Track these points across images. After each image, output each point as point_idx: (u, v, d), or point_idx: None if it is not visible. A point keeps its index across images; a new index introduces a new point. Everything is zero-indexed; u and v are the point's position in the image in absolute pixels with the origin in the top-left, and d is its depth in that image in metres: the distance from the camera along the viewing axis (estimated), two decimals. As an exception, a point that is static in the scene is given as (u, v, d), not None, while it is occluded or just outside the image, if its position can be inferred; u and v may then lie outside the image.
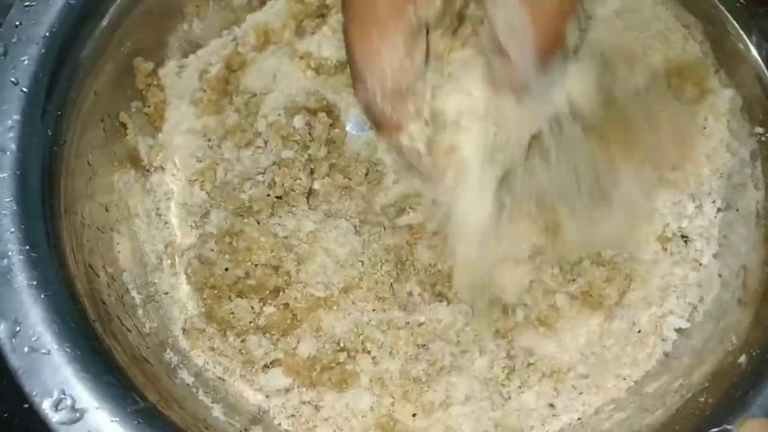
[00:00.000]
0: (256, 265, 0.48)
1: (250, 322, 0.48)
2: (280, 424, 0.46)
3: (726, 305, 0.48)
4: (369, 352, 0.48)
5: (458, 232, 0.46)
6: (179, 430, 0.39)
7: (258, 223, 0.50)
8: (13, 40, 0.45)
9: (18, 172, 0.43)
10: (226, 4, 0.56)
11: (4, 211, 0.41)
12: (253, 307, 0.48)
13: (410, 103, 0.41)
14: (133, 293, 0.49)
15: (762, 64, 0.49)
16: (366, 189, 0.53)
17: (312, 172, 0.53)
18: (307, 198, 0.52)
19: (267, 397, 0.47)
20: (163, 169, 0.55)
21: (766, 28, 0.49)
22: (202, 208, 0.53)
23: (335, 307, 0.49)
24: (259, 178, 0.52)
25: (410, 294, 0.49)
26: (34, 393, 0.38)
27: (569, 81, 0.44)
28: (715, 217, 0.52)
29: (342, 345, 0.48)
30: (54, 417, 0.37)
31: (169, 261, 0.52)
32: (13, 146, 0.43)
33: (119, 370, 0.40)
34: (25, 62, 0.45)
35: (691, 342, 0.48)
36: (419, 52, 0.41)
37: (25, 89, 0.45)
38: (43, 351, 0.39)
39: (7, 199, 0.42)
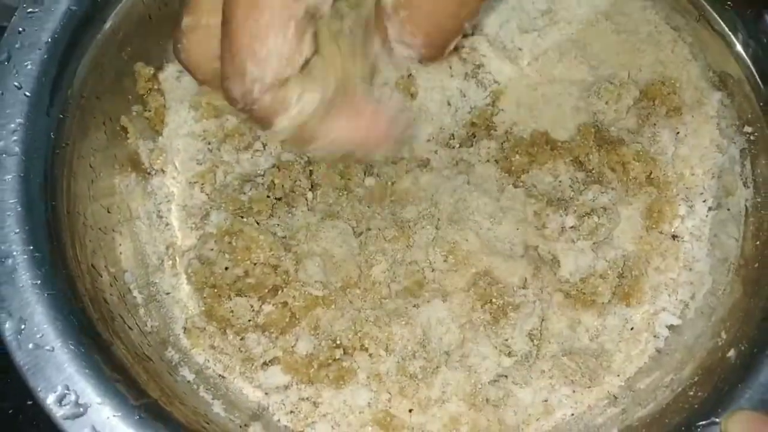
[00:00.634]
0: (255, 264, 0.49)
1: (249, 321, 0.49)
2: (279, 420, 0.47)
3: (717, 302, 0.49)
4: (366, 349, 0.49)
5: None
6: (180, 425, 0.40)
7: (258, 223, 0.50)
8: (17, 45, 0.46)
9: (22, 175, 0.44)
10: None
11: (8, 212, 0.42)
12: (252, 306, 0.49)
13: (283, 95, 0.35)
14: (135, 293, 0.49)
15: (750, 63, 0.50)
16: (363, 191, 0.54)
17: (311, 173, 0.54)
18: (306, 199, 0.53)
19: (266, 394, 0.48)
20: (163, 172, 0.55)
21: (753, 29, 0.50)
22: (202, 210, 0.54)
23: (333, 306, 0.49)
24: (259, 180, 0.53)
25: (406, 292, 0.50)
26: (38, 389, 0.39)
27: None
28: (707, 216, 0.52)
29: (339, 342, 0.49)
30: (58, 412, 0.38)
31: (170, 262, 0.53)
32: (17, 149, 0.44)
33: (121, 367, 0.41)
34: (28, 67, 0.46)
35: (683, 338, 0.49)
36: (308, 45, 0.38)
37: (27, 93, 0.46)
38: (48, 348, 0.40)
39: (11, 201, 0.43)
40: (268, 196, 0.52)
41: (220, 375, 0.49)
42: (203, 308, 0.50)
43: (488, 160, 0.54)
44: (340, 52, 0.35)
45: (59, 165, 0.46)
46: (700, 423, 0.39)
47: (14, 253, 0.41)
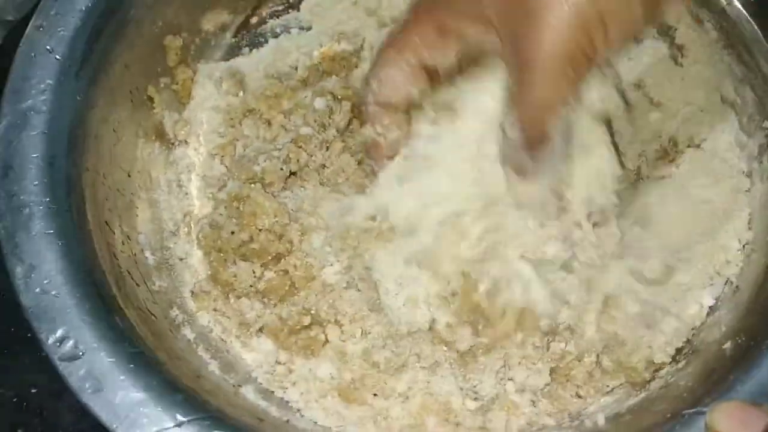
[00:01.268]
0: (260, 230, 0.50)
1: (251, 286, 0.50)
2: (258, 379, 0.49)
3: (723, 297, 0.48)
4: (340, 326, 0.49)
5: None
6: (172, 377, 0.41)
7: (266, 192, 0.52)
8: (52, 12, 0.49)
9: (46, 132, 0.46)
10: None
11: (30, 166, 0.45)
12: (254, 271, 0.50)
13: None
14: (147, 254, 0.51)
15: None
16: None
17: (327, 149, 0.55)
18: (319, 174, 0.54)
19: (257, 358, 0.50)
20: (186, 143, 0.57)
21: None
22: (220, 181, 0.56)
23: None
24: (275, 153, 0.55)
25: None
26: (41, 330, 0.41)
27: None
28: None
29: (315, 312, 0.50)
30: (57, 353, 0.40)
31: (186, 229, 0.55)
32: (45, 108, 0.47)
33: (122, 318, 0.43)
34: (61, 33, 0.49)
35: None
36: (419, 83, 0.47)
37: (58, 57, 0.48)
38: (53, 293, 0.42)
39: (34, 155, 0.45)
40: (281, 169, 0.53)
41: (220, 338, 0.50)
42: (209, 272, 0.51)
43: None
44: None
45: (83, 126, 0.48)
46: (687, 411, 0.39)
47: (31, 204, 0.44)
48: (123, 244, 0.49)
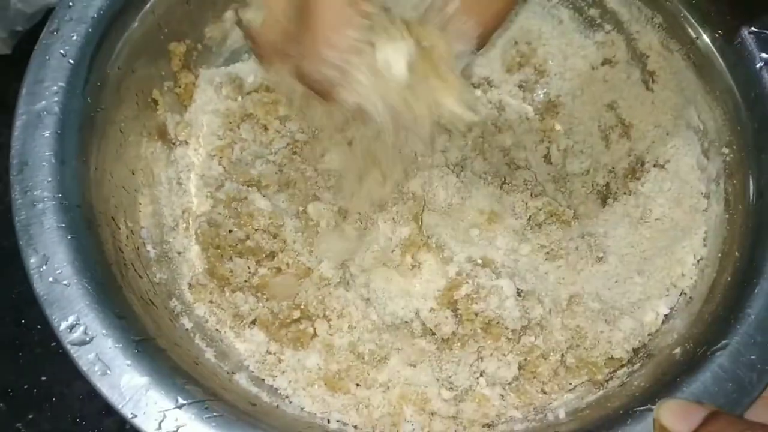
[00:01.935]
0: (255, 230, 0.54)
1: (246, 281, 0.54)
2: (250, 367, 0.52)
3: (677, 307, 0.53)
4: (328, 320, 0.53)
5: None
6: (172, 362, 0.45)
7: (263, 195, 0.56)
8: (65, 18, 0.52)
9: (59, 132, 0.49)
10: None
11: (43, 163, 0.48)
12: (249, 268, 0.54)
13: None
14: (149, 247, 0.55)
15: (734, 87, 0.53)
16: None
17: (322, 155, 0.59)
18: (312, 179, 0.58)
19: (249, 348, 0.53)
20: (187, 143, 0.61)
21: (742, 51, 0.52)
22: (218, 181, 0.59)
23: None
24: (270, 157, 0.58)
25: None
26: (53, 317, 0.44)
27: None
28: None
29: (304, 307, 0.54)
30: (68, 338, 0.43)
31: (184, 225, 0.58)
32: (56, 109, 0.49)
33: (127, 307, 0.46)
34: (74, 38, 0.52)
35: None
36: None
37: (71, 61, 0.51)
38: (65, 283, 0.45)
39: (47, 153, 0.48)
40: (276, 173, 0.57)
41: (215, 328, 0.54)
42: (206, 266, 0.55)
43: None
44: None
45: (92, 127, 0.51)
46: (638, 408, 0.43)
47: (45, 199, 0.47)
48: (127, 238, 0.52)
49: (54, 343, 0.62)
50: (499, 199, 0.57)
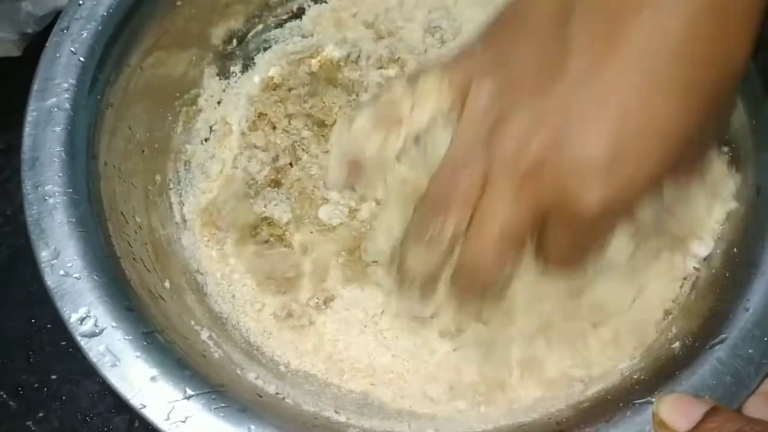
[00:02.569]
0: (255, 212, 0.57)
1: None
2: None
3: (677, 303, 0.53)
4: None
5: None
6: (180, 354, 0.46)
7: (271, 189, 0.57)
8: (76, 16, 0.53)
9: (69, 128, 0.50)
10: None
11: (54, 159, 0.49)
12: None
13: None
14: (157, 243, 0.56)
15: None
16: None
17: (327, 152, 0.60)
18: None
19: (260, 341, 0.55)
20: (195, 140, 0.62)
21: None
22: (223, 175, 0.60)
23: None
24: (279, 154, 0.60)
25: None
26: (64, 309, 0.45)
27: None
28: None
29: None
30: (78, 330, 0.44)
31: (192, 221, 0.59)
32: (67, 105, 0.50)
33: (136, 300, 0.47)
34: (84, 36, 0.53)
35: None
36: None
37: (81, 59, 0.52)
38: (75, 276, 0.46)
39: (58, 149, 0.49)
40: (283, 167, 0.59)
41: (222, 323, 0.55)
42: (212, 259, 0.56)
43: None
44: None
45: (101, 123, 0.52)
46: (637, 401, 0.44)
47: (56, 194, 0.48)
48: (136, 233, 0.53)
49: (64, 342, 0.63)
50: None
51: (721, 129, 0.51)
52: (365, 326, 0.55)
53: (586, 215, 0.39)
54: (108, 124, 0.53)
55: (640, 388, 0.46)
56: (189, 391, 0.43)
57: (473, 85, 0.42)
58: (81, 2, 0.53)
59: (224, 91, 0.64)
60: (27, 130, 0.50)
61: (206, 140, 0.62)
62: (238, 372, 0.49)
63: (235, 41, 0.64)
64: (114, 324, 0.45)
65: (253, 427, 0.42)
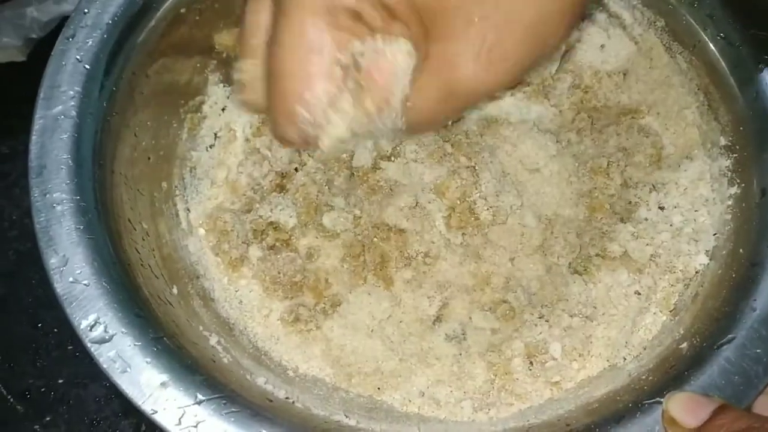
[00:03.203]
0: (260, 217, 0.57)
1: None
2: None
3: (683, 304, 0.54)
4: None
5: None
6: (190, 359, 0.46)
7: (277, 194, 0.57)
8: (81, 24, 0.53)
9: (76, 135, 0.50)
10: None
11: (62, 166, 0.49)
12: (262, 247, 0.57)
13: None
14: (164, 249, 0.56)
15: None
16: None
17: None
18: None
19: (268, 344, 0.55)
20: (200, 147, 0.62)
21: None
22: (229, 181, 0.61)
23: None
24: (284, 159, 0.60)
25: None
26: (74, 316, 0.45)
27: None
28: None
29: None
30: (88, 336, 0.44)
31: (198, 228, 0.59)
32: (74, 113, 0.50)
33: (145, 306, 0.47)
34: (89, 44, 0.53)
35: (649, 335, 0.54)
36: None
37: (87, 66, 0.52)
38: (84, 283, 0.46)
39: (65, 156, 0.49)
40: (287, 173, 0.59)
41: (229, 328, 0.55)
42: (219, 267, 0.57)
43: None
44: None
45: (108, 130, 0.52)
46: (646, 401, 0.44)
47: (64, 201, 0.48)
48: (143, 239, 0.53)
49: (71, 346, 0.63)
50: None
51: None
52: (372, 331, 0.55)
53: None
54: (114, 131, 0.53)
55: (649, 388, 0.46)
56: (200, 396, 0.43)
57: None
58: (86, 11, 0.53)
59: (228, 98, 0.64)
60: (34, 138, 0.50)
61: (211, 147, 0.62)
62: (248, 377, 0.49)
63: (239, 48, 0.64)
64: (124, 330, 0.45)
65: (264, 431, 0.43)
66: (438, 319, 0.55)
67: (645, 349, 0.52)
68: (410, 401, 0.53)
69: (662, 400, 0.43)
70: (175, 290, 0.53)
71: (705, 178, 0.56)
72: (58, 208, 0.48)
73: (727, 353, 0.45)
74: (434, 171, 0.58)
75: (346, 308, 0.56)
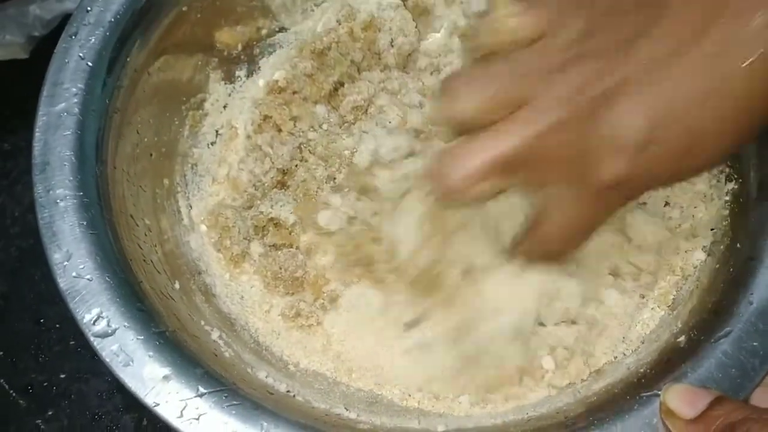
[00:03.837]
0: (261, 213, 0.57)
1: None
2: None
3: (681, 298, 0.54)
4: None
5: None
6: (190, 352, 0.46)
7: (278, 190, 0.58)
8: (84, 22, 0.54)
9: (78, 132, 0.50)
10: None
11: (65, 163, 0.49)
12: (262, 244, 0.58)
13: None
14: (166, 245, 0.56)
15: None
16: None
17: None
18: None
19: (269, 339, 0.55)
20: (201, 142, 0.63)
21: None
22: (229, 178, 0.61)
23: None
24: (286, 156, 0.60)
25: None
26: (77, 310, 0.45)
27: None
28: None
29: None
30: (91, 330, 0.45)
31: (200, 224, 0.60)
32: (76, 110, 0.51)
33: (147, 301, 0.47)
34: (92, 41, 0.53)
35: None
36: None
37: (90, 64, 0.53)
38: (87, 278, 0.46)
39: (68, 153, 0.50)
40: (288, 170, 0.59)
41: (231, 323, 0.55)
42: (220, 261, 0.57)
43: None
44: None
45: (110, 127, 0.53)
46: (645, 394, 0.44)
47: (67, 197, 0.48)
48: (145, 235, 0.54)
49: (73, 342, 0.64)
50: None
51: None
52: (369, 327, 0.55)
53: (599, 179, 0.40)
54: (116, 128, 0.54)
55: (647, 381, 0.46)
56: (201, 389, 0.44)
57: (556, 16, 0.41)
58: (89, 8, 0.54)
59: (230, 95, 0.65)
60: (37, 134, 0.50)
61: (213, 144, 0.63)
62: (249, 371, 0.50)
63: (240, 46, 0.65)
64: (126, 324, 0.45)
65: (265, 424, 0.43)
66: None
67: (643, 343, 0.53)
68: (410, 395, 0.53)
69: (659, 392, 0.43)
70: (177, 285, 0.53)
71: (703, 174, 0.57)
72: (62, 204, 0.48)
73: (725, 346, 0.45)
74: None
75: (344, 304, 0.56)
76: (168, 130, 0.60)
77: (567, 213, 0.43)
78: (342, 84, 0.63)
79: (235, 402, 0.44)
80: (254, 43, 0.66)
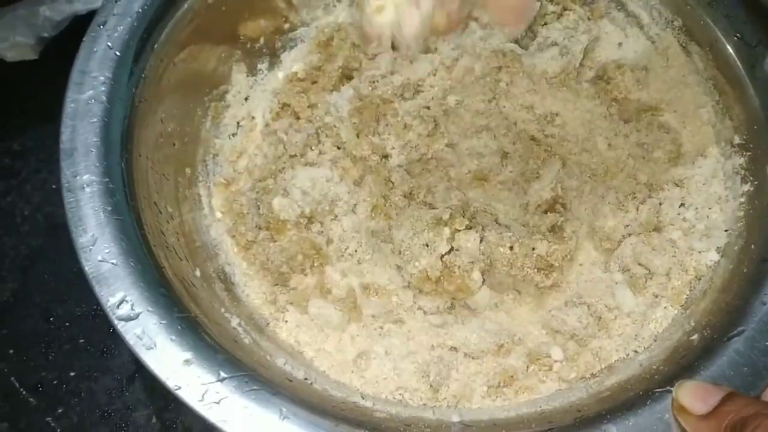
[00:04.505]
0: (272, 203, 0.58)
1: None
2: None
3: (694, 298, 0.55)
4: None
5: None
6: (211, 338, 0.47)
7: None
8: (112, 12, 0.55)
9: (105, 120, 0.51)
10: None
11: (92, 149, 0.50)
12: (272, 236, 0.58)
13: None
14: (188, 234, 0.57)
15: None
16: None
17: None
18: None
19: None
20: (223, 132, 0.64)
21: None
22: (250, 168, 0.62)
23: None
24: (303, 140, 0.61)
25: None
26: (102, 293, 0.46)
27: None
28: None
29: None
30: (115, 313, 0.46)
31: (219, 213, 0.61)
32: (104, 98, 0.52)
33: (170, 286, 0.48)
34: (120, 31, 0.54)
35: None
36: None
37: (117, 53, 0.54)
38: (112, 262, 0.47)
39: (95, 140, 0.51)
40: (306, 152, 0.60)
41: (251, 314, 0.56)
42: (236, 251, 0.58)
43: None
44: None
45: (135, 116, 0.54)
46: (657, 390, 0.45)
47: (93, 183, 0.49)
48: (168, 222, 0.54)
49: (82, 340, 0.64)
50: None
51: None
52: (383, 327, 0.56)
53: None
54: (141, 117, 0.55)
55: (660, 378, 0.47)
56: (222, 374, 0.44)
57: None
58: (117, -1, 0.55)
59: (251, 87, 0.65)
60: (65, 121, 0.51)
61: (233, 135, 0.64)
62: (268, 358, 0.51)
63: (262, 39, 0.66)
64: (150, 308, 0.46)
65: (284, 409, 0.44)
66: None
67: (656, 340, 0.53)
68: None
69: (672, 389, 0.44)
70: (198, 273, 0.54)
71: (718, 176, 0.57)
72: (88, 189, 0.49)
73: (737, 345, 0.45)
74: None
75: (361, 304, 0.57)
76: (191, 120, 0.61)
77: None
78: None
79: (255, 387, 0.44)
80: (276, 36, 0.67)
